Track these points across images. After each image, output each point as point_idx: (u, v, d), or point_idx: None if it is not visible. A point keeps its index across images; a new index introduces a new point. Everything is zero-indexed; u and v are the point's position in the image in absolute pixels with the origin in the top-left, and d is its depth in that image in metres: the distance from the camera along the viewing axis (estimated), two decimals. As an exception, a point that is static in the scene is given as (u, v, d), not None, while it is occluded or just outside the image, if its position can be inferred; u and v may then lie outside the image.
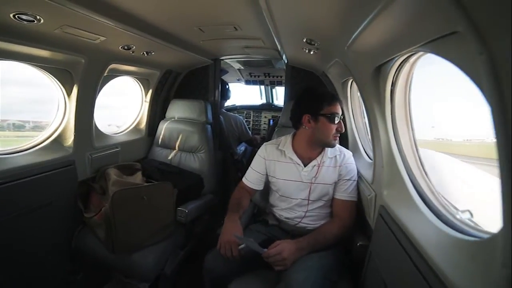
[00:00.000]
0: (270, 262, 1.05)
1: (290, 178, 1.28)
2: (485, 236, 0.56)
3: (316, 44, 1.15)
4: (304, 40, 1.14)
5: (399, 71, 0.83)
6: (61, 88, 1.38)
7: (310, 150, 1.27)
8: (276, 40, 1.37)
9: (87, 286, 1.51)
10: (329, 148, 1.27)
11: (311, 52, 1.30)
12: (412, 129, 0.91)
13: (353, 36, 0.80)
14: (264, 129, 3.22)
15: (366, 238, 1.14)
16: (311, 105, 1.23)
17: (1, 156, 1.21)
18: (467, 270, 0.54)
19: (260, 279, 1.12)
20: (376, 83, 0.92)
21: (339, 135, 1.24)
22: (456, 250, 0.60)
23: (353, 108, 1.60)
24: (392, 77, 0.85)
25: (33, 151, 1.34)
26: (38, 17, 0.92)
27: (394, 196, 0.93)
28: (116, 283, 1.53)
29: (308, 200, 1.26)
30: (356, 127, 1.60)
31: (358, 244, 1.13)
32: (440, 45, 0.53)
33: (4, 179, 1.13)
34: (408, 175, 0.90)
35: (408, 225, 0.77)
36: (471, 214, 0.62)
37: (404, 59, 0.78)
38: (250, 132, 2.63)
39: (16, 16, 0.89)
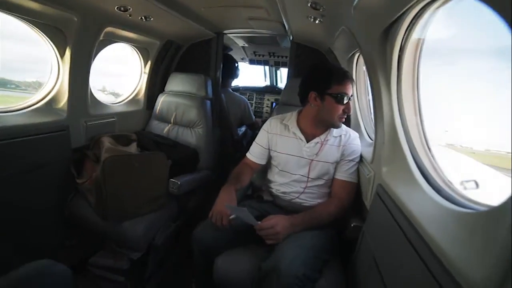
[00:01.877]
0: (262, 235, 1.03)
1: (291, 153, 1.25)
2: (486, 208, 0.51)
3: (321, 10, 1.06)
4: (309, 5, 1.05)
5: (409, 32, 0.75)
6: (53, 48, 1.32)
7: (314, 128, 1.24)
8: (280, 9, 1.28)
9: (82, 252, 1.52)
10: None
11: (317, 21, 1.22)
12: (419, 102, 0.84)
13: None
14: (266, 112, 3.15)
15: (361, 220, 1.11)
16: (318, 83, 1.17)
17: None
18: (466, 244, 0.50)
19: (249, 254, 1.10)
20: (383, 50, 0.84)
21: (345, 116, 1.18)
22: (455, 224, 0.55)
23: (358, 87, 1.52)
24: (400, 40, 0.77)
25: (26, 111, 1.31)
26: None
27: (393, 173, 0.88)
28: (109, 252, 1.54)
29: (308, 177, 1.23)
30: (359, 106, 1.53)
31: (352, 225, 1.09)
32: None
33: None
34: (411, 151, 0.84)
35: (406, 202, 0.73)
36: (477, 184, 0.56)
37: (415, 16, 0.70)
38: (253, 117, 2.57)
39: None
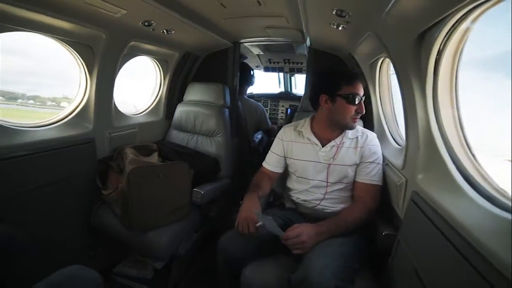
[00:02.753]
0: (288, 244, 1.00)
1: (307, 159, 1.24)
2: None
3: (346, 17, 1.05)
4: (334, 12, 1.05)
5: (449, 37, 0.72)
6: (82, 64, 1.38)
7: (329, 131, 1.23)
8: (302, 16, 1.28)
9: (106, 262, 1.54)
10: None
11: (340, 28, 1.21)
12: (458, 105, 0.80)
13: None
14: (281, 118, 3.14)
15: (393, 228, 1.06)
16: (328, 85, 1.19)
17: (25, 129, 1.23)
18: None
19: (277, 264, 1.07)
20: (417, 54, 0.82)
21: (358, 116, 1.17)
22: None
23: (381, 92, 1.49)
24: (439, 45, 0.75)
25: (56, 126, 1.36)
26: None
27: (431, 180, 0.84)
28: (133, 261, 1.55)
29: (327, 182, 1.21)
30: (383, 112, 1.50)
31: (383, 233, 1.05)
32: None
33: (26, 152, 1.15)
34: (451, 157, 0.80)
35: (451, 211, 0.69)
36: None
37: (457, 21, 0.67)
38: (270, 123, 2.57)
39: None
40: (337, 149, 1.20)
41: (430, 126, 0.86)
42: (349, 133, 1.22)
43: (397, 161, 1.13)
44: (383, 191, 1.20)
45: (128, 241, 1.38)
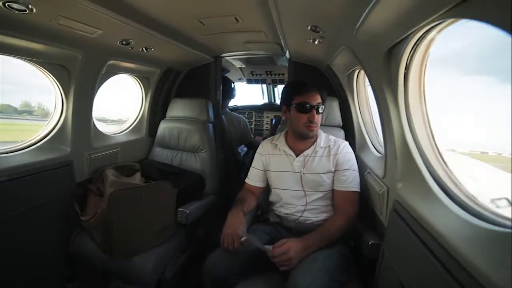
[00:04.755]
0: (275, 262, 0.99)
1: (283, 169, 1.28)
2: None
3: (321, 32, 1.09)
4: (309, 28, 1.09)
5: (414, 51, 0.76)
6: (58, 86, 1.33)
7: (299, 142, 1.28)
8: (279, 32, 1.32)
9: None
10: (322, 138, 1.28)
11: (316, 42, 1.25)
12: (428, 116, 0.84)
13: (362, 16, 0.74)
14: (267, 129, 3.16)
15: (378, 236, 1.07)
16: (285, 97, 1.29)
17: None
18: (503, 263, 0.47)
19: (263, 283, 1.06)
20: (387, 68, 0.86)
21: (313, 125, 1.21)
22: (489, 242, 0.53)
23: (360, 101, 1.53)
24: (406, 59, 0.78)
25: (29, 150, 1.30)
26: (30, 7, 0.88)
27: (410, 190, 0.86)
28: (115, 290, 1.46)
29: (304, 191, 1.23)
30: (363, 121, 1.54)
31: (370, 243, 1.05)
32: (474, 3, 0.46)
33: None
34: (426, 166, 0.83)
35: (429, 220, 0.70)
36: (510, 202, 0.54)
37: (420, 37, 0.71)
38: (252, 135, 2.57)
39: (6, 4, 0.84)
40: (310, 159, 1.24)
41: (404, 136, 0.89)
42: (321, 142, 1.27)
43: (378, 170, 1.15)
44: (367, 200, 1.22)
45: (110, 268, 1.31)
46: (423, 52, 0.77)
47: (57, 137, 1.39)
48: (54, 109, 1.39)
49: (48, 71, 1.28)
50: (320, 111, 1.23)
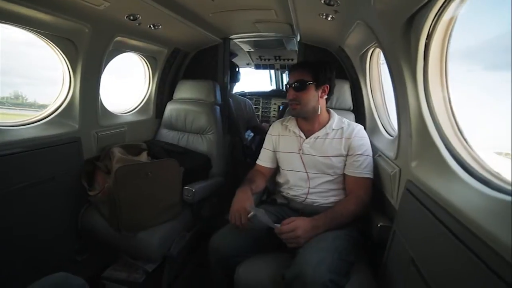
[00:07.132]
0: (283, 238, 0.98)
1: (292, 150, 1.27)
2: None
3: (335, 5, 1.04)
4: (322, 1, 1.03)
5: (438, 19, 0.71)
6: (65, 60, 1.32)
7: (306, 123, 1.27)
8: (290, 7, 1.26)
9: (94, 266, 1.47)
10: (334, 120, 1.25)
11: (329, 18, 1.19)
12: (448, 89, 0.79)
13: None
14: (274, 116, 3.12)
15: (388, 219, 1.05)
16: None
17: (5, 128, 1.17)
18: None
19: (270, 261, 1.05)
20: (407, 40, 0.81)
21: (293, 103, 1.22)
22: None
23: (372, 83, 1.48)
24: (428, 27, 0.73)
25: (39, 124, 1.30)
26: None
27: (425, 167, 0.83)
28: (123, 264, 1.49)
29: (307, 173, 1.22)
30: (375, 104, 1.49)
31: (379, 225, 1.03)
32: None
33: (6, 151, 1.10)
34: (443, 142, 0.79)
35: (446, 197, 0.67)
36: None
37: (444, 2, 0.66)
38: (257, 120, 2.54)
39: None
40: (320, 140, 1.23)
41: (421, 112, 0.85)
42: (333, 124, 1.24)
43: (390, 152, 1.12)
44: (376, 183, 1.19)
45: (117, 243, 1.33)
46: (447, 21, 0.71)
47: (65, 113, 1.39)
48: (62, 84, 1.38)
49: (55, 44, 1.27)
50: (301, 87, 1.19)
